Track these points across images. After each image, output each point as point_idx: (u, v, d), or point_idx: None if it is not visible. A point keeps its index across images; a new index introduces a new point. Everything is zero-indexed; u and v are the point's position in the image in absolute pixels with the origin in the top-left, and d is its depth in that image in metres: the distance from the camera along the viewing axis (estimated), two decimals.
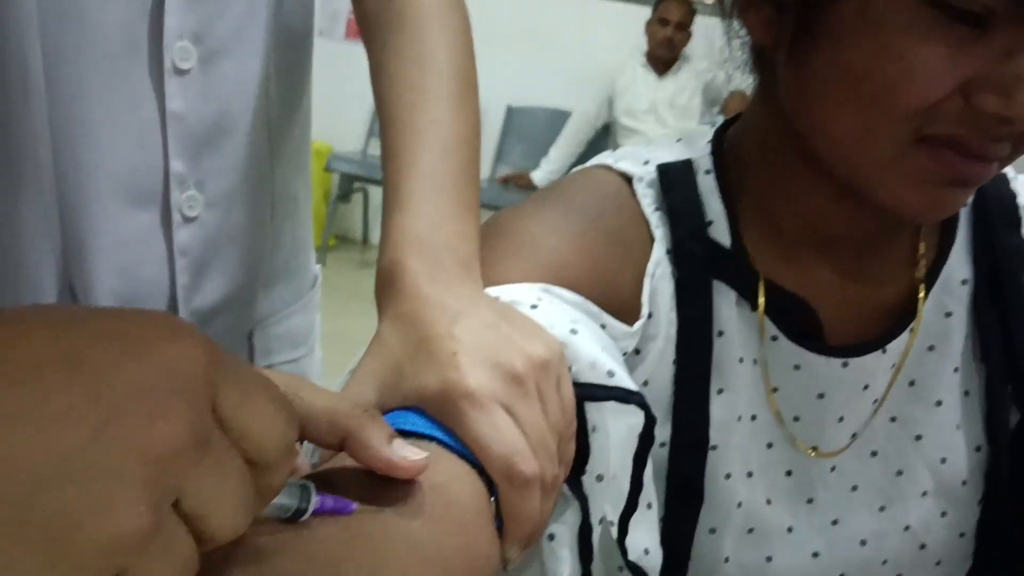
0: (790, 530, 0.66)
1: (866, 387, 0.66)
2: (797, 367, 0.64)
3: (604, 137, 4.15)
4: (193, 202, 0.67)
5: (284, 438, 0.31)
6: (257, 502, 0.31)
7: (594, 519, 0.51)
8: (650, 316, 0.60)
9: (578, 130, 4.18)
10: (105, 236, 0.63)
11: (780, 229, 0.64)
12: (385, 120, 0.58)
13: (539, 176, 4.17)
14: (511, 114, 4.61)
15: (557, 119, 4.33)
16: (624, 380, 0.51)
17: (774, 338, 0.64)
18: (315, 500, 0.36)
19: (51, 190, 0.60)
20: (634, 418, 0.52)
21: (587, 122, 4.17)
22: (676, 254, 0.62)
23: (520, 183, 4.21)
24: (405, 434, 0.43)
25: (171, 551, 0.27)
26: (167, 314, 0.30)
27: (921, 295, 0.66)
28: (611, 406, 0.51)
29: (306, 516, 0.36)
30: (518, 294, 0.53)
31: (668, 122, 3.88)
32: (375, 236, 5.00)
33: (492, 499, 0.44)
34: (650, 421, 0.51)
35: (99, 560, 0.25)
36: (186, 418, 0.27)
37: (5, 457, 0.24)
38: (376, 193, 4.90)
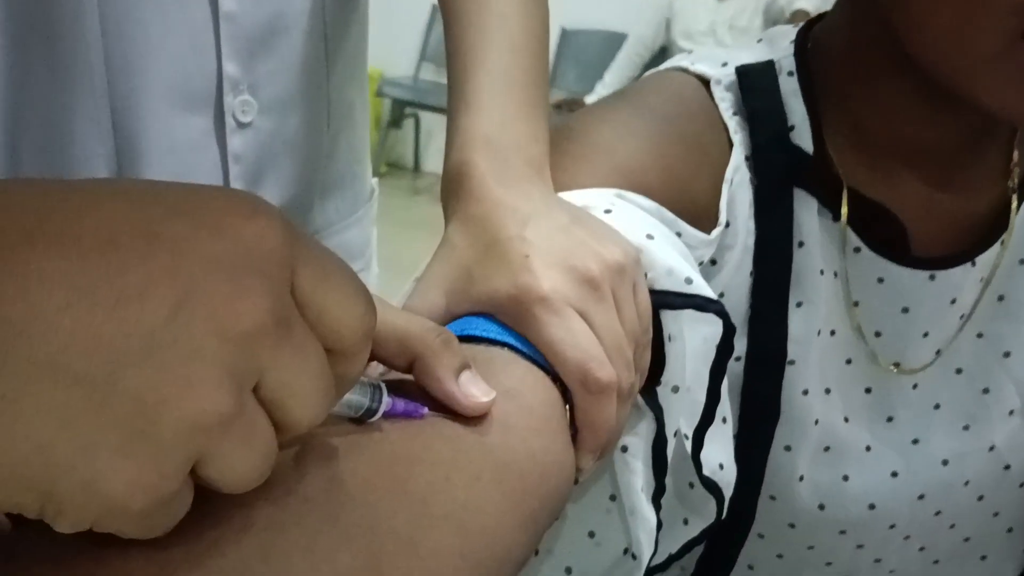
0: (868, 449, 0.64)
1: (953, 301, 0.63)
2: (880, 280, 0.62)
3: (661, 60, 4.03)
4: (247, 107, 0.65)
5: (363, 323, 0.29)
6: (334, 392, 0.29)
7: (669, 431, 0.49)
8: (727, 225, 0.58)
9: (634, 53, 4.09)
10: (157, 141, 0.62)
11: (866, 135, 0.61)
12: (448, 16, 0.55)
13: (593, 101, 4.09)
14: (565, 36, 4.51)
15: (612, 41, 4.24)
16: (702, 287, 0.49)
17: (857, 250, 0.61)
18: (387, 401, 0.35)
19: (103, 93, 0.59)
20: (711, 328, 0.50)
21: (643, 45, 4.07)
22: (755, 160, 0.59)
23: (574, 108, 4.14)
24: (475, 340, 0.42)
25: (252, 436, 0.26)
26: (245, 192, 0.28)
27: (1014, 206, 0.63)
28: (688, 315, 0.49)
29: (376, 417, 0.35)
30: (591, 199, 0.51)
31: (727, 45, 3.78)
32: (427, 163, 4.99)
33: (566, 406, 0.42)
34: (729, 330, 0.50)
35: (179, 441, 0.24)
36: (266, 297, 0.26)
37: (81, 333, 0.23)
38: (428, 119, 4.87)
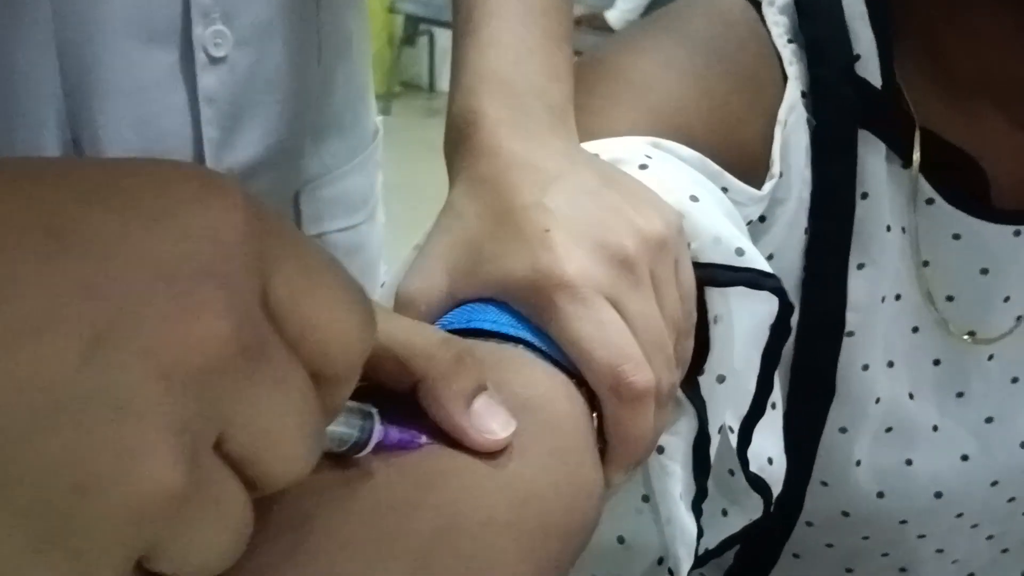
0: (935, 429, 0.59)
1: None
2: (957, 236, 0.56)
3: None
4: (220, 38, 0.59)
5: (359, 340, 0.23)
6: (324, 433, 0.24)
7: (712, 428, 0.44)
8: (780, 176, 0.51)
9: None
10: (115, 80, 0.56)
11: (946, 69, 0.55)
12: None
13: (614, 16, 4.00)
14: None
15: None
16: (756, 259, 0.43)
17: (930, 201, 0.56)
18: (378, 431, 0.28)
19: (47, 21, 0.53)
20: (763, 305, 0.44)
21: None
22: (814, 96, 0.54)
23: (593, 24, 4.04)
24: (484, 334, 0.36)
25: (217, 513, 0.20)
26: (192, 164, 0.22)
27: None
28: (738, 291, 0.43)
29: (365, 451, 0.28)
30: (622, 150, 0.44)
31: None
32: (442, 82, 4.92)
33: (594, 415, 0.36)
34: (786, 309, 0.44)
35: (113, 536, 0.18)
36: (227, 315, 0.20)
37: None
38: (444, 36, 4.79)
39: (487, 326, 0.36)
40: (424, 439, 0.30)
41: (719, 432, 0.45)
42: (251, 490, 0.21)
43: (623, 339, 0.35)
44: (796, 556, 0.61)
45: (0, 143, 0.53)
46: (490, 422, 0.31)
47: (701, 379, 0.43)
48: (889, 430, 0.57)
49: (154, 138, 0.58)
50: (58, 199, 0.19)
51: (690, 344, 0.41)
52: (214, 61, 0.59)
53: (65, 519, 0.18)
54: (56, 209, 0.19)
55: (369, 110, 0.81)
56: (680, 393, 0.43)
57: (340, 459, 0.28)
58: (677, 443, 0.43)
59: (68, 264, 0.18)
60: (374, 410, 0.28)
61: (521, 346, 0.35)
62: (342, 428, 0.27)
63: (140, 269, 0.19)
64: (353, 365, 0.23)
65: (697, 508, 0.44)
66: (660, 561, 0.44)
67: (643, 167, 0.43)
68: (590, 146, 0.45)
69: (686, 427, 0.43)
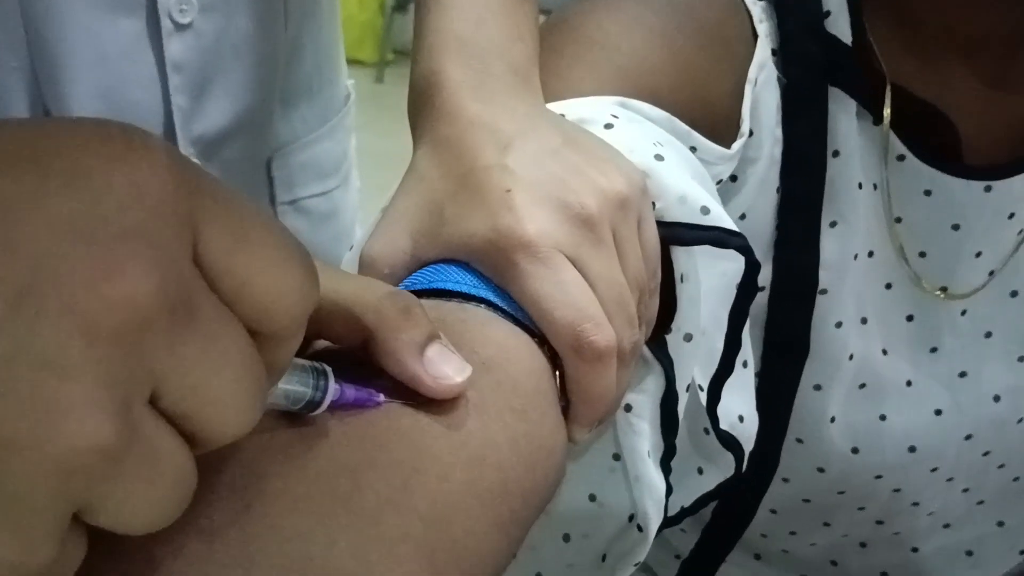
0: (909, 384, 0.59)
1: (1011, 216, 0.57)
2: (928, 192, 0.56)
3: None
4: (185, 5, 0.58)
5: (301, 295, 0.23)
6: (266, 388, 0.23)
7: (680, 386, 0.44)
8: (751, 134, 0.50)
9: None
10: (81, 50, 0.55)
11: (914, 24, 0.54)
12: None
13: None
14: None
15: None
16: (721, 217, 0.43)
17: (901, 158, 0.55)
18: (333, 389, 0.28)
19: None
20: (731, 264, 0.44)
21: None
22: (784, 54, 0.53)
23: None
24: (446, 294, 0.36)
25: (153, 466, 0.20)
26: (115, 122, 0.21)
27: None
28: (704, 250, 0.43)
29: (320, 410, 0.28)
30: (588, 110, 0.44)
31: None
32: None
33: (556, 373, 0.36)
34: (753, 268, 0.44)
35: (46, 495, 0.19)
36: (152, 270, 0.19)
37: None
38: None
39: (450, 286, 0.36)
40: (382, 398, 0.30)
41: (687, 391, 0.45)
42: (193, 446, 0.21)
43: (584, 298, 0.35)
44: (773, 512, 0.62)
45: None
46: (444, 367, 0.30)
47: (668, 337, 0.43)
48: (862, 386, 0.57)
49: (123, 107, 0.57)
50: None
51: (655, 303, 0.41)
52: (180, 28, 0.58)
53: None
54: None
55: (339, 75, 0.80)
56: (647, 351, 0.43)
57: (296, 418, 0.28)
58: (644, 401, 0.43)
59: None
60: (328, 368, 0.28)
61: (483, 306, 0.35)
62: (295, 386, 0.27)
63: (58, 228, 0.19)
64: (295, 321, 0.23)
65: (666, 466, 0.44)
66: (631, 518, 0.45)
67: (608, 127, 0.43)
68: (555, 107, 0.44)
69: (653, 385, 0.43)
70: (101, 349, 0.19)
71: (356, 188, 0.82)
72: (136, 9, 0.57)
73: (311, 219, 0.75)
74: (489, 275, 0.36)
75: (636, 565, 0.44)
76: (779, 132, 0.52)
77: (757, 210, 0.53)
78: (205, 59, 0.60)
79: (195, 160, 0.60)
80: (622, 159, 0.40)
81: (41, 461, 0.18)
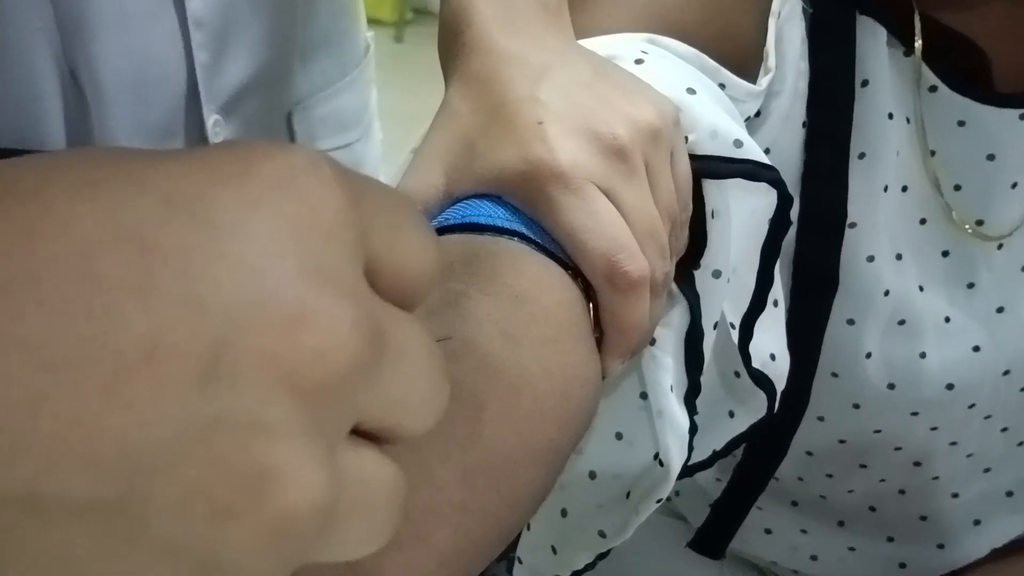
0: (947, 320, 0.59)
1: None
2: (961, 123, 0.56)
3: None
4: None
5: (435, 271, 0.22)
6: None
7: (706, 322, 0.45)
8: (776, 68, 0.51)
9: None
10: (105, 9, 0.56)
11: None
12: None
13: None
14: None
15: None
16: (754, 151, 0.44)
17: (933, 88, 0.55)
18: None
19: None
20: (762, 199, 0.45)
21: None
22: None
23: None
24: (479, 228, 0.37)
25: (367, 501, 0.19)
26: (260, 143, 0.20)
27: None
28: (735, 184, 0.44)
29: None
30: (617, 47, 0.45)
31: None
32: None
33: (589, 305, 0.38)
34: (785, 201, 0.44)
35: (265, 559, 0.18)
36: (343, 304, 0.18)
37: (62, 443, 0.16)
38: None
39: (482, 220, 0.37)
40: None
41: (715, 328, 0.46)
42: (392, 442, 0.21)
43: (617, 228, 0.36)
44: (809, 454, 0.63)
45: None
46: None
47: (696, 273, 0.44)
48: (901, 323, 0.58)
49: (148, 66, 0.58)
50: (142, 207, 0.17)
51: (685, 235, 0.42)
52: None
53: (211, 551, 0.17)
54: (142, 218, 0.17)
55: (358, 26, 0.80)
56: (674, 286, 0.44)
57: None
58: (669, 335, 0.44)
59: (167, 281, 0.17)
60: None
61: (516, 239, 0.37)
62: None
63: (240, 275, 0.17)
64: (427, 292, 0.22)
65: (691, 403, 0.45)
66: (656, 456, 0.45)
67: (639, 62, 0.44)
68: (585, 43, 0.45)
69: (679, 320, 0.44)
70: (307, 402, 0.17)
71: (379, 140, 0.84)
72: None
73: None
74: (522, 207, 0.37)
75: (659, 502, 0.46)
76: (803, 65, 0.53)
77: (781, 145, 0.53)
78: (226, 15, 0.61)
79: (216, 116, 0.62)
80: (653, 91, 0.41)
81: (259, 529, 0.17)
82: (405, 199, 0.22)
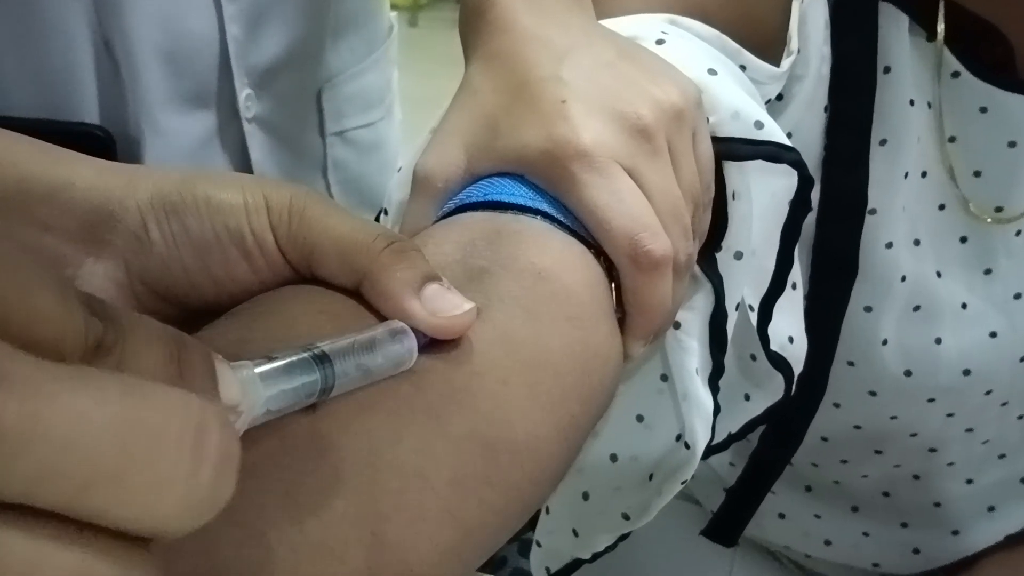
0: (964, 306, 0.60)
1: None
2: (983, 110, 0.56)
3: None
4: None
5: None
6: None
7: (729, 304, 0.45)
8: (798, 52, 0.51)
9: None
10: None
11: None
12: None
13: None
14: None
15: None
16: (775, 132, 0.44)
17: (955, 74, 0.55)
18: (412, 338, 0.30)
19: None
20: (782, 180, 0.45)
21: None
22: None
23: None
24: (501, 207, 0.37)
25: None
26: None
27: None
28: (756, 166, 0.44)
29: (405, 367, 0.30)
30: (638, 27, 0.45)
31: None
32: None
33: (612, 285, 0.38)
34: (806, 183, 0.45)
35: None
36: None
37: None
38: None
39: (504, 198, 0.37)
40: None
41: (736, 310, 0.46)
42: None
43: (640, 208, 0.36)
44: (824, 440, 0.63)
45: (35, 48, 0.55)
46: (441, 303, 0.30)
47: (718, 255, 0.45)
48: (917, 308, 0.58)
49: (180, 37, 0.60)
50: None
51: (707, 216, 0.43)
52: None
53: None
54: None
55: (383, 8, 0.81)
56: (697, 268, 0.44)
57: None
58: (693, 318, 0.44)
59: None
60: (404, 325, 0.29)
61: (539, 217, 0.37)
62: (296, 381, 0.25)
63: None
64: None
65: (714, 384, 0.46)
66: (678, 438, 0.46)
67: (660, 42, 0.44)
68: (606, 23, 0.45)
69: (703, 302, 0.44)
70: None
71: (399, 120, 0.84)
72: None
73: (358, 149, 0.77)
74: (544, 186, 0.38)
75: (683, 483, 0.46)
76: (827, 50, 0.53)
77: (803, 129, 0.54)
78: None
79: (248, 91, 0.63)
80: (676, 72, 0.41)
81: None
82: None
